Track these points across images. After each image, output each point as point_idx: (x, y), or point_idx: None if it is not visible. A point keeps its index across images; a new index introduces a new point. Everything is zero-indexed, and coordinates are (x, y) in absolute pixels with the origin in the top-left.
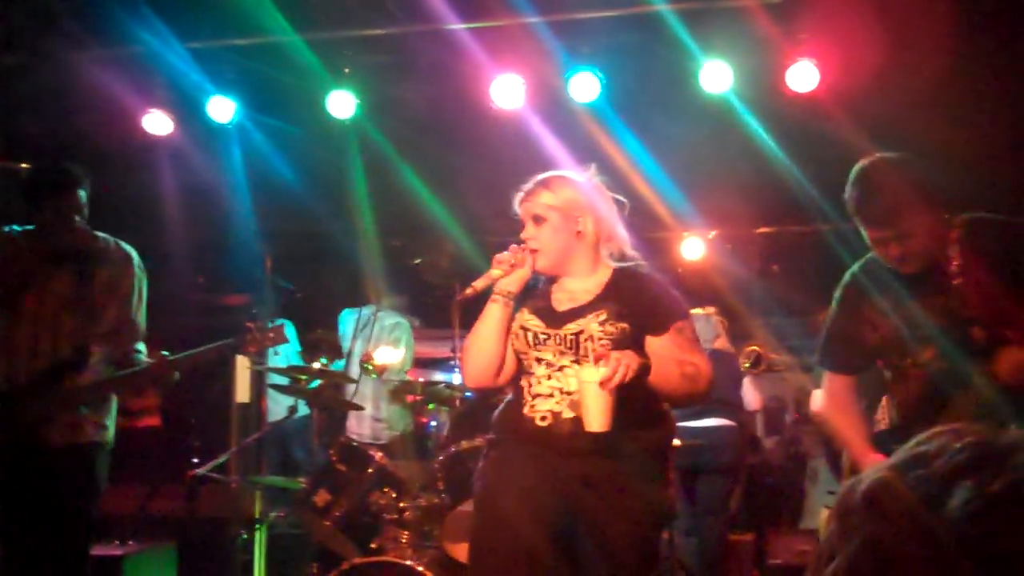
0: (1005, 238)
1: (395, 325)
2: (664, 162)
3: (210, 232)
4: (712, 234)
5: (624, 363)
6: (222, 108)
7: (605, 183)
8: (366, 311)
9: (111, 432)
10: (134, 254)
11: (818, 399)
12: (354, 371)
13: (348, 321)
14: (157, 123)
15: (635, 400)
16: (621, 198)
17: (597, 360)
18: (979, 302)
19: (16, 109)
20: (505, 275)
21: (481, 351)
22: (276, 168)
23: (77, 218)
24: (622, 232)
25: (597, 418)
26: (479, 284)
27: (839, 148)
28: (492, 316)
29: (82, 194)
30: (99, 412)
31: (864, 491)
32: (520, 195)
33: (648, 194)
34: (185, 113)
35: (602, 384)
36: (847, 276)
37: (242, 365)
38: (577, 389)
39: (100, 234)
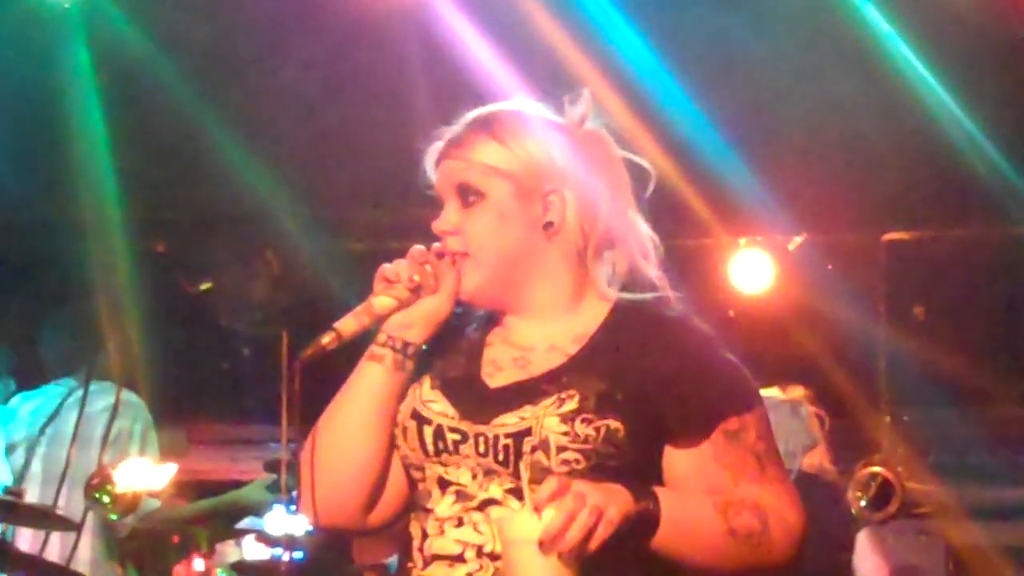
0: None
1: (116, 410)
2: (707, 100)
3: None
4: (796, 242)
5: (592, 507)
6: None
7: (604, 128)
8: (61, 387)
9: None
10: None
11: None
12: (72, 505)
13: (28, 408)
14: None
15: None
16: (644, 163)
17: (541, 502)
18: None
19: None
20: (400, 306)
21: (341, 455)
22: None
23: None
24: (641, 233)
25: None
26: (347, 326)
27: None
28: (368, 386)
29: None
30: None
31: None
32: (439, 147)
33: (670, 162)
34: None
35: (543, 545)
36: None
37: None
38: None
39: None
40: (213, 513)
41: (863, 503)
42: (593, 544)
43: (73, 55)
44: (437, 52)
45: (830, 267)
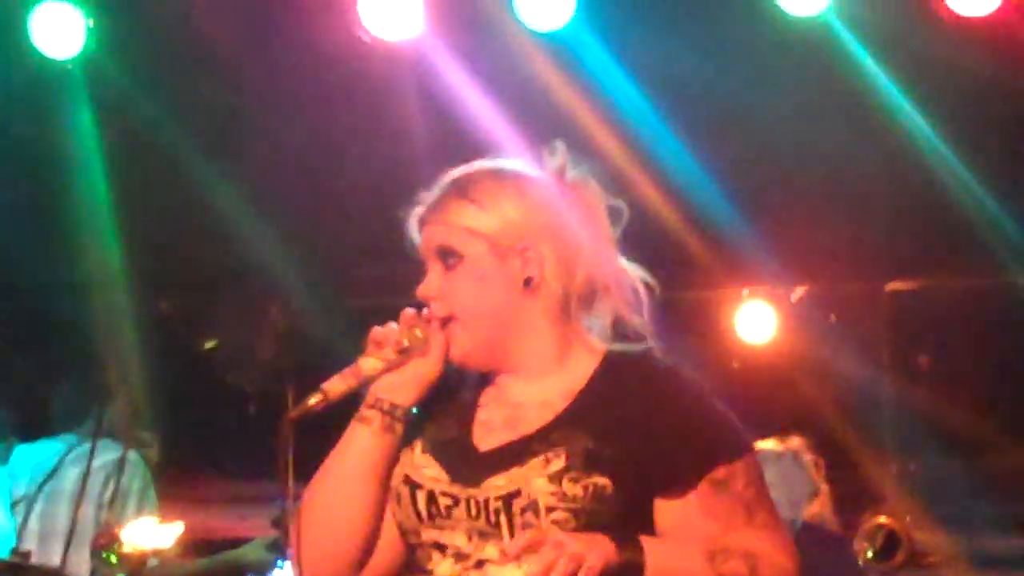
0: None
1: (122, 468)
2: (702, 147)
3: None
4: (798, 293)
5: (571, 555)
6: None
7: (588, 175)
8: (61, 443)
9: None
10: None
11: None
12: (72, 563)
13: (26, 465)
14: None
15: None
16: (618, 203)
17: (521, 551)
18: None
19: None
20: (388, 369)
21: (329, 515)
22: None
23: None
24: (627, 280)
25: None
26: (334, 387)
27: None
28: (357, 448)
29: None
30: None
31: None
32: (418, 212)
33: (669, 211)
34: None
35: None
36: None
37: None
38: None
39: None
40: (211, 572)
41: (869, 554)
42: None
43: (76, 114)
44: (439, 109)
45: (833, 318)
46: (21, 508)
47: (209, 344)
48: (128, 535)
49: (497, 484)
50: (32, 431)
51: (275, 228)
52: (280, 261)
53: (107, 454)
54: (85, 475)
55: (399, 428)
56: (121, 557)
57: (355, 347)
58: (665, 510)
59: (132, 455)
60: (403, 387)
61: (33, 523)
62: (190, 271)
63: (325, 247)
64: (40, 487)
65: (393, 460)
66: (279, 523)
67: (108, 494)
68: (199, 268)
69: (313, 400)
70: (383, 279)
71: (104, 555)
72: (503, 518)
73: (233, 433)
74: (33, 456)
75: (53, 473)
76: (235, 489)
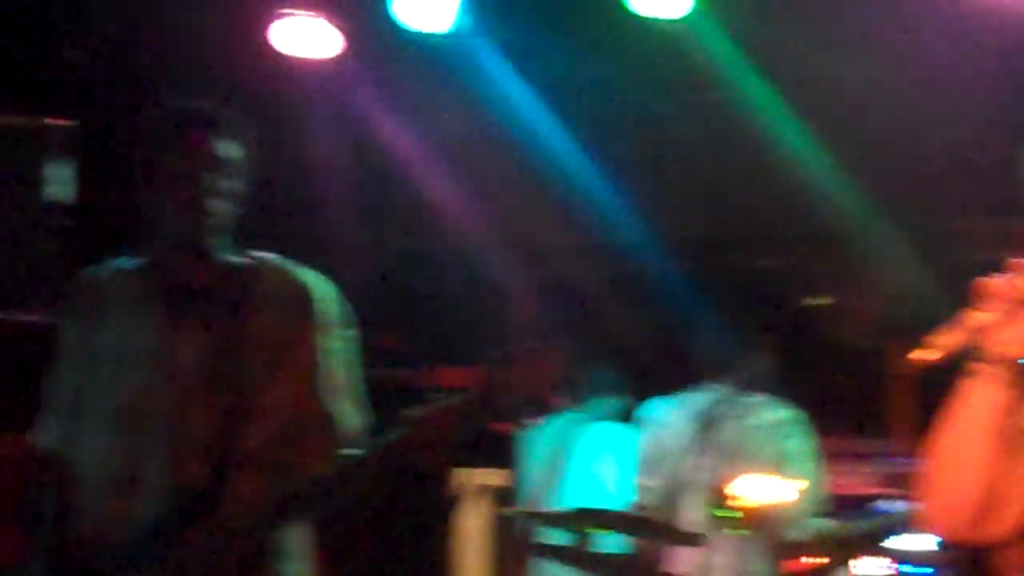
0: None
1: (784, 428)
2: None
3: None
4: None
5: None
6: None
7: None
8: (711, 394)
9: None
10: (320, 287)
11: None
12: (690, 513)
13: (672, 421)
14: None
15: None
16: None
17: None
18: None
19: None
20: (1000, 322)
21: (951, 471)
22: None
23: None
24: None
25: None
26: (946, 341)
27: None
28: (975, 403)
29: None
30: None
31: None
32: None
33: None
34: None
35: None
36: None
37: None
38: None
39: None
40: (870, 535)
41: None
42: None
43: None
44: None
45: None
46: (674, 459)
47: (820, 301)
48: (741, 487)
49: None
50: (642, 388)
51: (882, 187)
52: (887, 218)
53: (773, 412)
54: (737, 431)
55: (1012, 380)
56: (734, 509)
57: (950, 303)
58: None
59: (798, 414)
60: (1015, 340)
61: (689, 475)
62: (799, 229)
63: (934, 203)
64: (698, 439)
65: (1008, 411)
66: (894, 480)
67: (774, 453)
68: (809, 226)
69: (929, 354)
70: (982, 233)
71: (719, 511)
72: None
73: (833, 389)
74: (681, 407)
75: (709, 425)
76: (843, 445)
